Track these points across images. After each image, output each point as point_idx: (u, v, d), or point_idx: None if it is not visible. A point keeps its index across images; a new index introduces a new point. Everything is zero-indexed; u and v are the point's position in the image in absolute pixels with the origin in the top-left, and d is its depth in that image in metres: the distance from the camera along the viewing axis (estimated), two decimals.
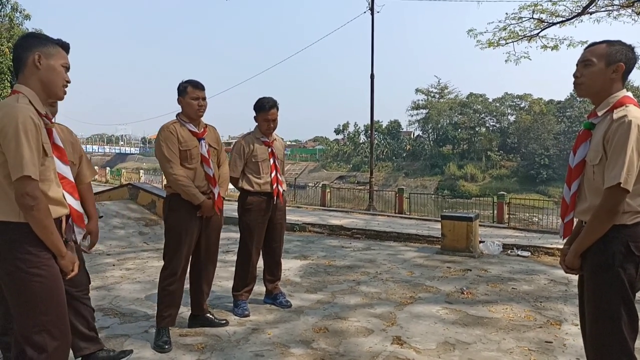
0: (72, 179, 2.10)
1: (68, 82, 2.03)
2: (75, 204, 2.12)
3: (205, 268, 3.50)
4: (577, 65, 2.14)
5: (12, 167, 1.76)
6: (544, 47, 12.20)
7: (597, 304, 2.01)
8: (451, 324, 3.79)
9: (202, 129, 3.37)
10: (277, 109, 3.97)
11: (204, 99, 3.33)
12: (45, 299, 1.84)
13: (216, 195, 3.36)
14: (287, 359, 3.07)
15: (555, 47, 11.92)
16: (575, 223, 2.22)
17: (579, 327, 2.28)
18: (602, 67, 2.04)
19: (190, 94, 3.27)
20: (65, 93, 2.04)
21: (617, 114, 1.96)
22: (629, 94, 2.06)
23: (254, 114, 4.02)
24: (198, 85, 3.32)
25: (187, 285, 3.50)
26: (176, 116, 3.38)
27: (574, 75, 2.15)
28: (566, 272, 2.21)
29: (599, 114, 2.06)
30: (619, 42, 2.08)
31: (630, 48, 2.07)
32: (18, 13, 18.43)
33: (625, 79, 2.08)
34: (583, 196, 2.11)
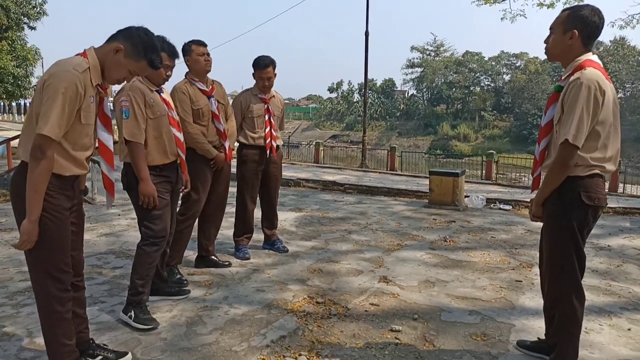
0: (112, 148, 2.23)
1: (123, 80, 2.17)
2: (108, 172, 2.28)
3: (215, 214, 3.85)
4: None
5: (40, 121, 1.91)
6: (540, 4, 12.18)
7: (552, 247, 2.30)
8: (433, 266, 4.20)
9: (210, 87, 3.63)
10: (274, 68, 4.18)
11: (209, 54, 3.58)
12: (48, 242, 2.00)
13: (227, 149, 3.70)
14: (285, 293, 3.46)
15: (551, 5, 11.89)
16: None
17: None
18: (560, 34, 2.22)
19: (195, 50, 3.51)
20: (117, 83, 2.20)
21: (573, 77, 2.14)
22: (594, 57, 2.20)
23: (251, 70, 4.24)
24: (201, 43, 3.56)
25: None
26: (185, 75, 3.60)
27: (544, 42, 2.32)
28: (532, 220, 2.48)
29: (563, 77, 2.25)
30: (582, 8, 2.19)
31: (594, 12, 2.18)
32: None
33: (588, 43, 2.21)
34: (550, 152, 2.33)
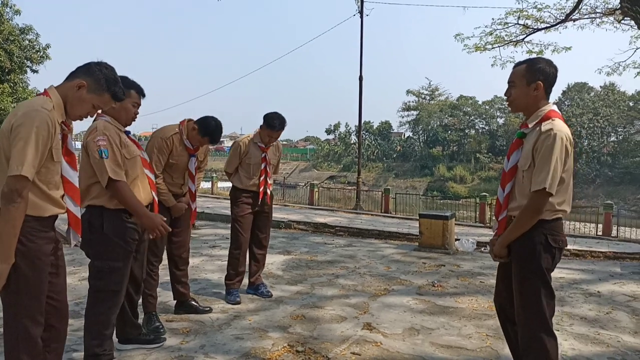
0: (77, 184, 2.18)
1: (88, 115, 2.19)
2: (75, 209, 2.18)
3: (180, 256, 3.78)
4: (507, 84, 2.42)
5: (13, 162, 1.85)
6: (529, 52, 12.55)
7: (522, 288, 2.32)
8: (419, 312, 4.11)
9: (196, 145, 3.57)
10: (283, 130, 4.25)
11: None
12: (24, 290, 2.00)
13: (193, 209, 3.72)
14: (265, 341, 3.36)
15: (540, 53, 12.27)
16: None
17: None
18: (523, 86, 2.33)
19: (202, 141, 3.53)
20: (79, 120, 2.20)
21: (544, 127, 2.24)
22: (554, 107, 2.34)
23: (260, 122, 4.26)
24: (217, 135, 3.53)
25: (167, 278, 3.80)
26: (179, 127, 3.52)
27: (505, 95, 2.44)
28: (494, 260, 2.51)
29: (529, 125, 2.34)
30: (538, 60, 2.33)
31: (549, 64, 2.32)
32: (8, 8, 18.53)
33: (548, 93, 2.36)
34: (514, 196, 2.40)
